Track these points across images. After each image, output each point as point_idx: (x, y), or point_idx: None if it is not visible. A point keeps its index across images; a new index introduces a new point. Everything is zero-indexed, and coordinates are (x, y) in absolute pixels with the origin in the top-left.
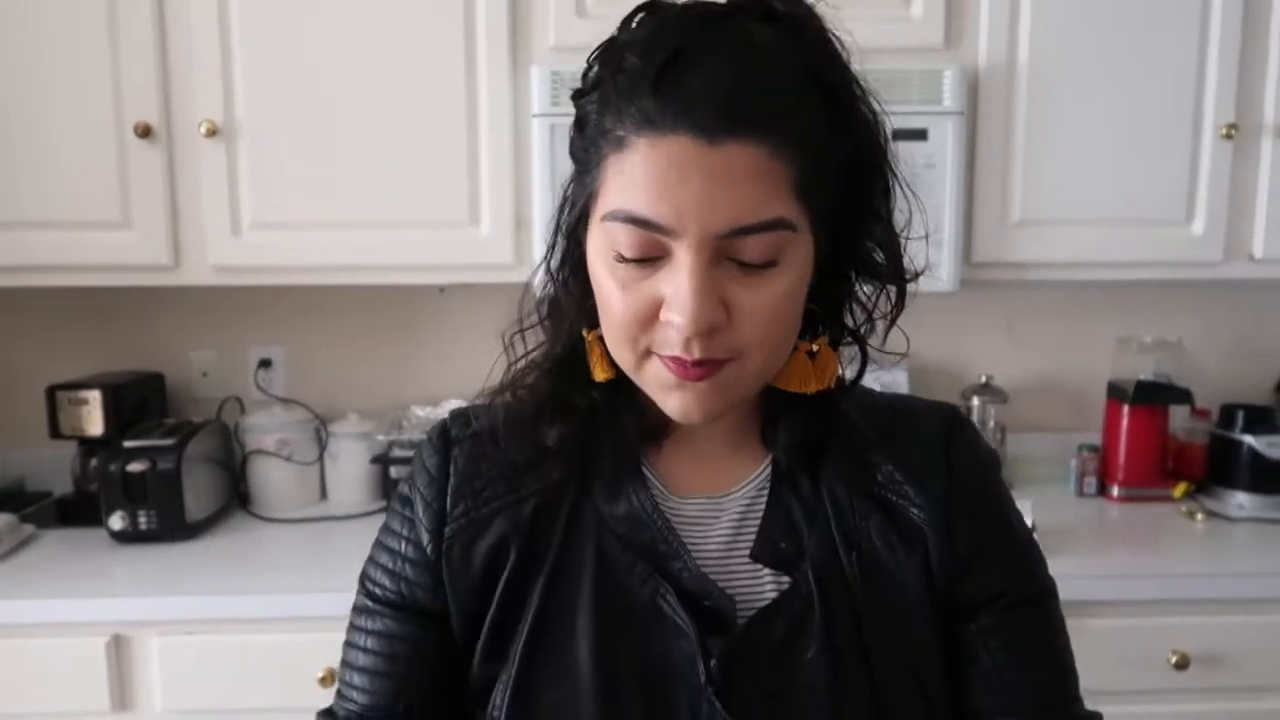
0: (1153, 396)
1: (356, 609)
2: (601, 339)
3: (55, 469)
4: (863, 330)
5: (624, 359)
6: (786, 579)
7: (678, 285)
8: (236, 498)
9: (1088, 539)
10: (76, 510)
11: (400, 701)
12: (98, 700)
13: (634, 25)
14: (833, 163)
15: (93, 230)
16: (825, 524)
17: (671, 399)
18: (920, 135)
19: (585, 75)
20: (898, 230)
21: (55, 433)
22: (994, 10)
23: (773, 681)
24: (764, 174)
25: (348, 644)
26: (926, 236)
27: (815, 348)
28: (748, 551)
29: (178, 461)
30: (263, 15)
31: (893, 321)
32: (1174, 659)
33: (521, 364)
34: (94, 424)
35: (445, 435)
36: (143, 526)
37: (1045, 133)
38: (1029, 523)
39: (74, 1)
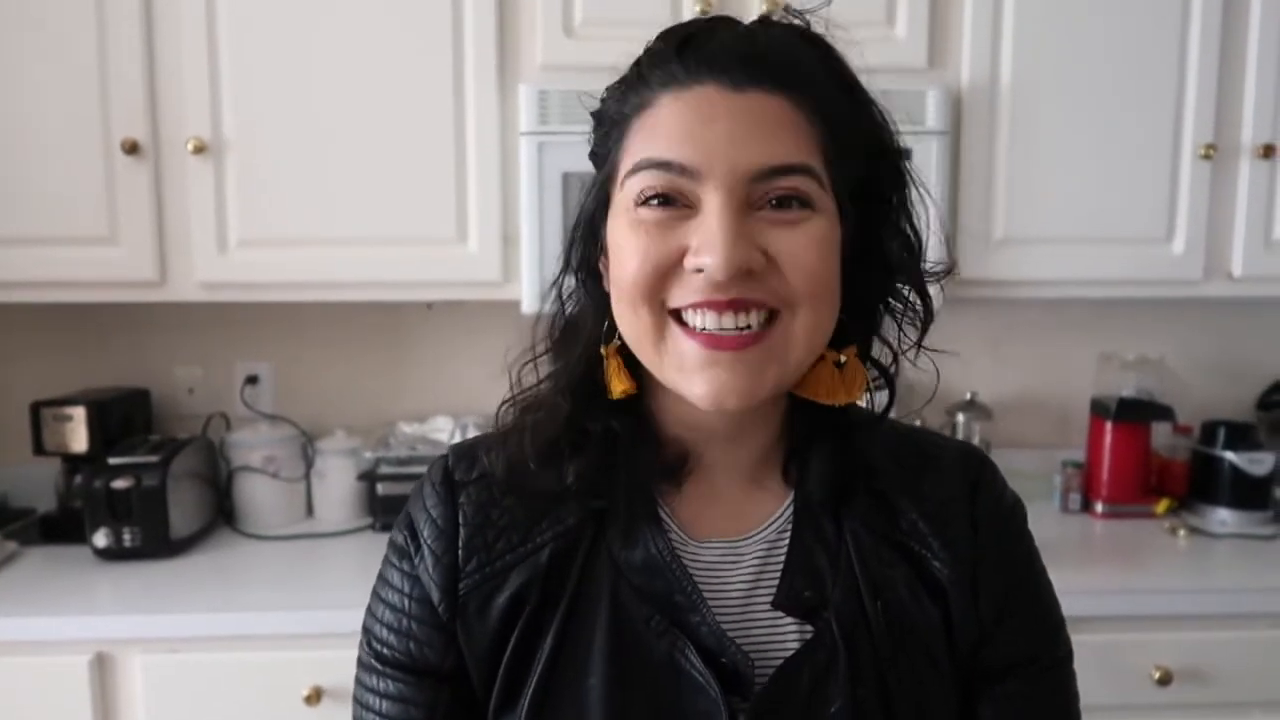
0: (1135, 413)
1: (364, 666)
2: (619, 351)
3: (39, 486)
4: (891, 367)
5: (640, 328)
6: (809, 628)
7: (706, 228)
8: (222, 515)
9: (1072, 555)
10: (60, 527)
11: None
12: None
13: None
14: (853, 141)
15: (79, 246)
16: (849, 569)
17: (700, 381)
18: (904, 155)
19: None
20: (921, 238)
21: (39, 449)
22: (976, 31)
23: None
24: (789, 123)
25: (359, 704)
26: (951, 270)
27: (843, 358)
28: (769, 599)
29: (163, 478)
30: (251, 33)
31: (924, 331)
32: (1157, 674)
33: (533, 392)
34: (78, 440)
35: (449, 481)
36: (127, 544)
37: (1028, 152)
38: None
39: (62, 18)
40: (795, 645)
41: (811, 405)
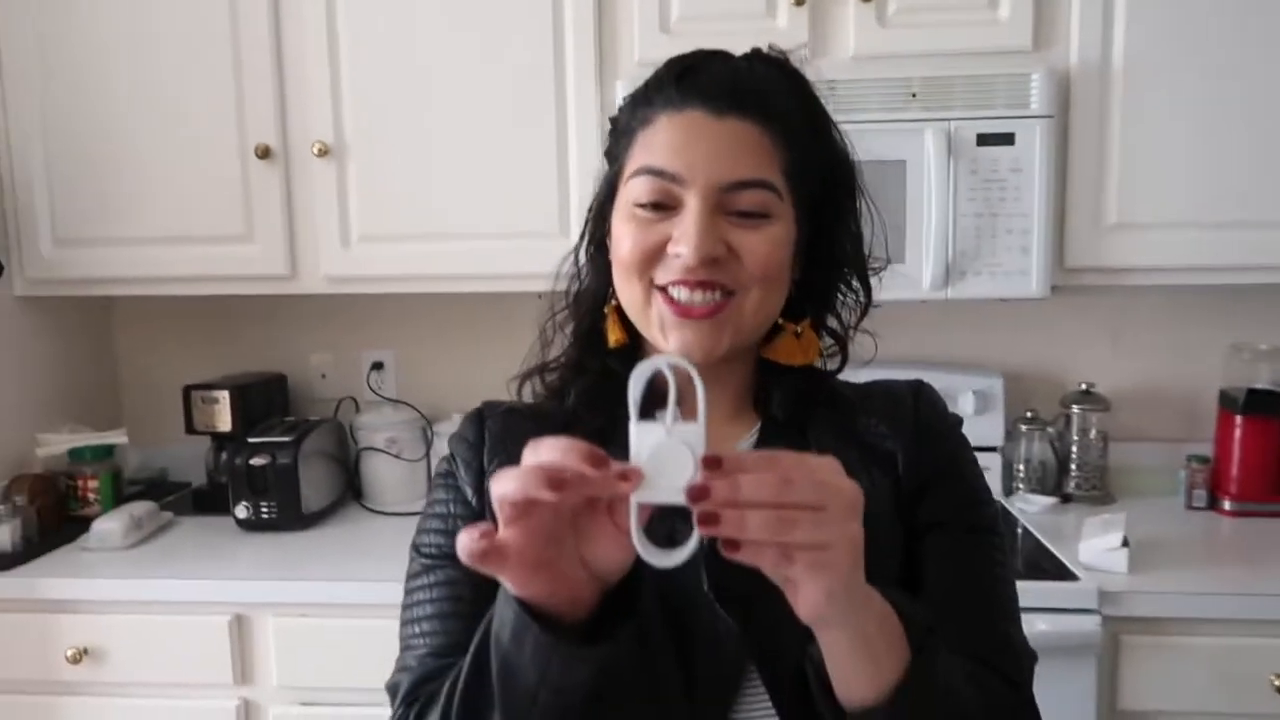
0: (1268, 406)
1: (412, 575)
2: (618, 309)
3: (193, 462)
4: (847, 333)
5: (633, 295)
6: None
7: (685, 224)
8: (351, 491)
9: (1193, 554)
10: (209, 499)
11: (470, 638)
12: (222, 674)
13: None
14: (812, 160)
15: (219, 244)
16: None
17: (673, 338)
18: (1007, 139)
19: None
20: (865, 242)
21: (190, 429)
22: (1086, 10)
23: (758, 588)
24: (757, 146)
25: (408, 607)
26: (885, 265)
27: (800, 329)
28: None
29: (295, 456)
30: (367, 44)
31: (863, 313)
32: (1277, 681)
33: (549, 352)
34: (223, 421)
35: (479, 414)
36: (264, 515)
37: (1142, 134)
38: (1121, 536)
39: (200, 35)
40: None
41: (777, 365)
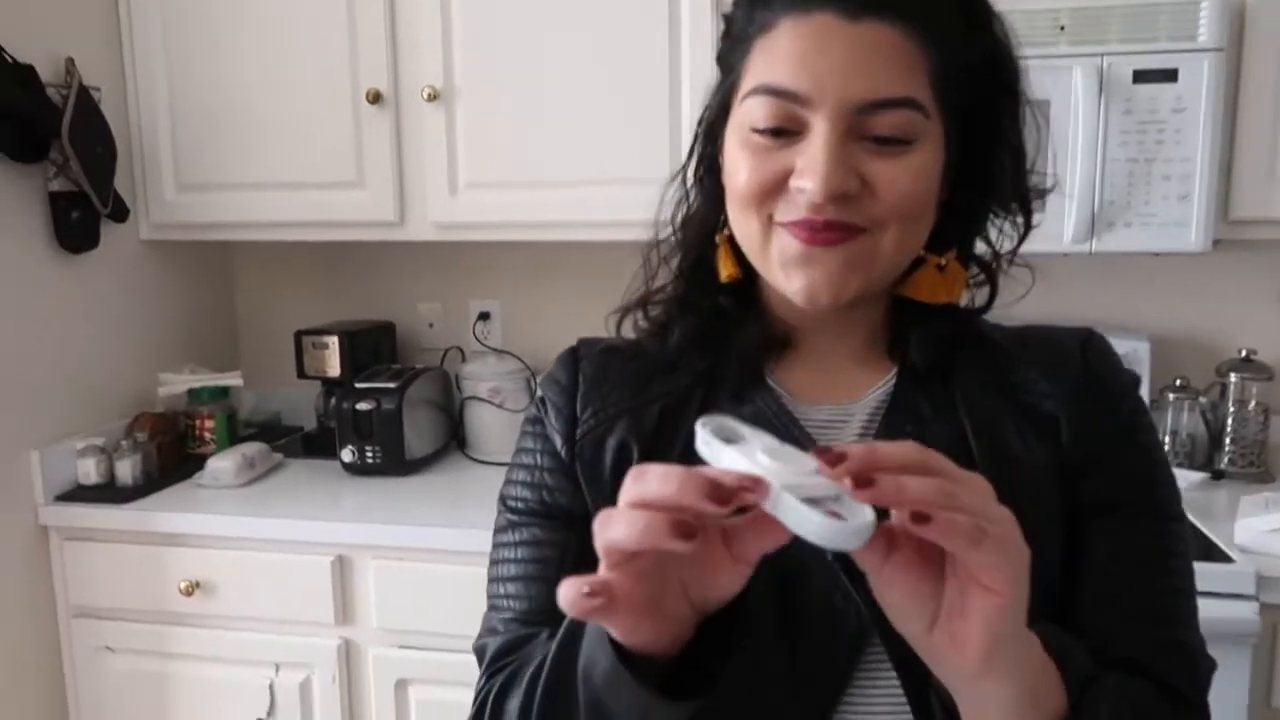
0: None
1: (499, 529)
2: (730, 239)
3: (304, 406)
4: (993, 264)
5: (749, 230)
6: None
7: (811, 153)
8: (455, 440)
9: None
10: (318, 443)
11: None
12: (324, 613)
13: None
14: (966, 64)
15: (331, 190)
16: (955, 416)
17: (797, 277)
18: (1169, 76)
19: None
20: (1028, 158)
21: (301, 373)
22: None
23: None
24: (900, 54)
25: (495, 563)
26: (1051, 189)
27: (944, 261)
28: None
29: (399, 403)
30: None
31: (1017, 245)
32: None
33: (654, 284)
34: (333, 366)
35: (574, 352)
36: (369, 460)
37: None
38: (1265, 500)
39: None
40: None
41: (915, 303)
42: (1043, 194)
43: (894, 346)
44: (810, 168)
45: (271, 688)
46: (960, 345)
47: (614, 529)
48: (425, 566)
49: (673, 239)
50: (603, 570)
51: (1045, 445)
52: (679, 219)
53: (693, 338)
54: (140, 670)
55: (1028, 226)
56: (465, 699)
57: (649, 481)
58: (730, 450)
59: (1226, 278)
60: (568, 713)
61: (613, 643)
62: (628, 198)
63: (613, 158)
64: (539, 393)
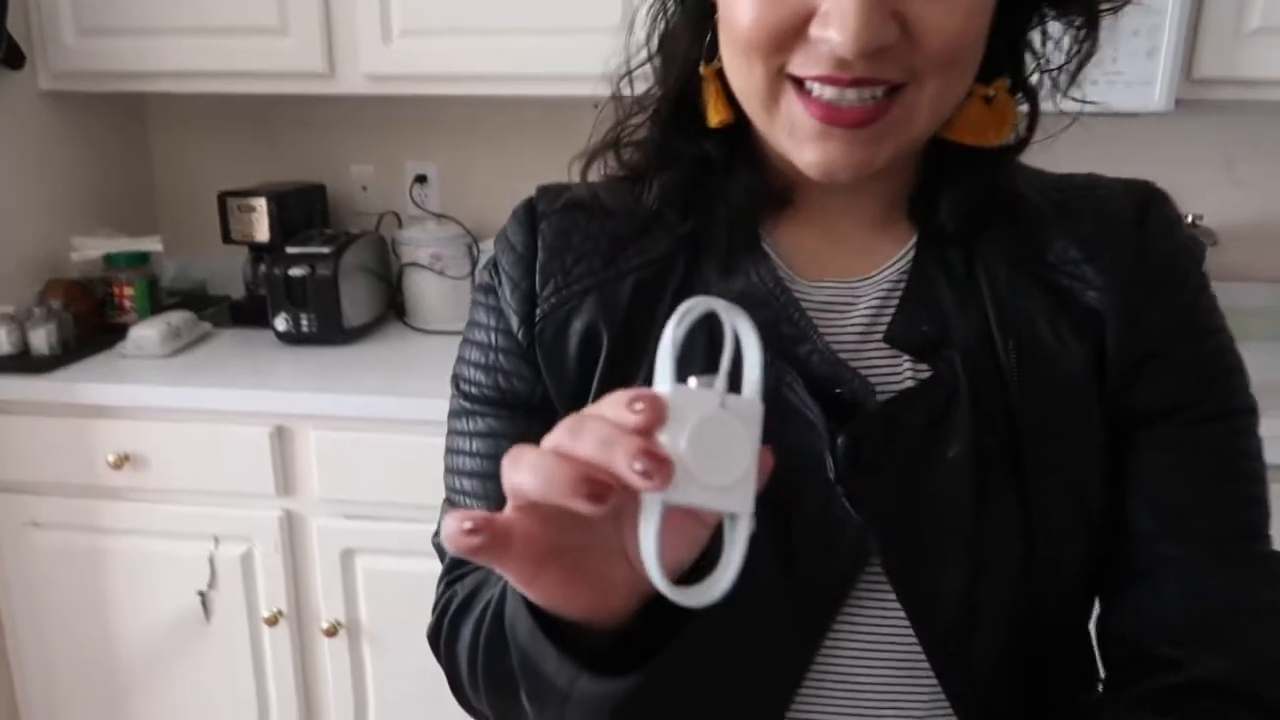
0: None
1: (454, 413)
2: (719, 73)
3: (231, 275)
4: (1035, 81)
5: (750, 81)
6: (927, 369)
7: None
8: (393, 308)
9: None
10: (248, 312)
11: None
12: (264, 484)
13: None
14: None
15: (250, 36)
16: (979, 306)
17: (810, 150)
18: None
19: None
20: None
21: (227, 238)
22: None
23: (907, 483)
24: None
25: (451, 451)
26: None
27: (992, 92)
28: (884, 342)
29: (335, 269)
30: None
31: (1081, 65)
32: None
33: (626, 119)
34: (261, 231)
35: (531, 210)
36: (305, 329)
37: None
38: None
39: None
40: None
41: (950, 145)
42: (1115, 6)
43: (918, 205)
44: (838, 15)
45: (211, 560)
46: (995, 207)
47: (520, 472)
48: (369, 436)
49: (649, 67)
50: (508, 509)
51: (1085, 345)
52: (655, 40)
53: (673, 193)
54: (71, 546)
55: (1092, 45)
56: (414, 569)
57: (584, 434)
58: (679, 392)
59: (1180, 140)
60: (506, 665)
61: (530, 605)
62: (581, 48)
63: (565, 3)
64: (493, 254)
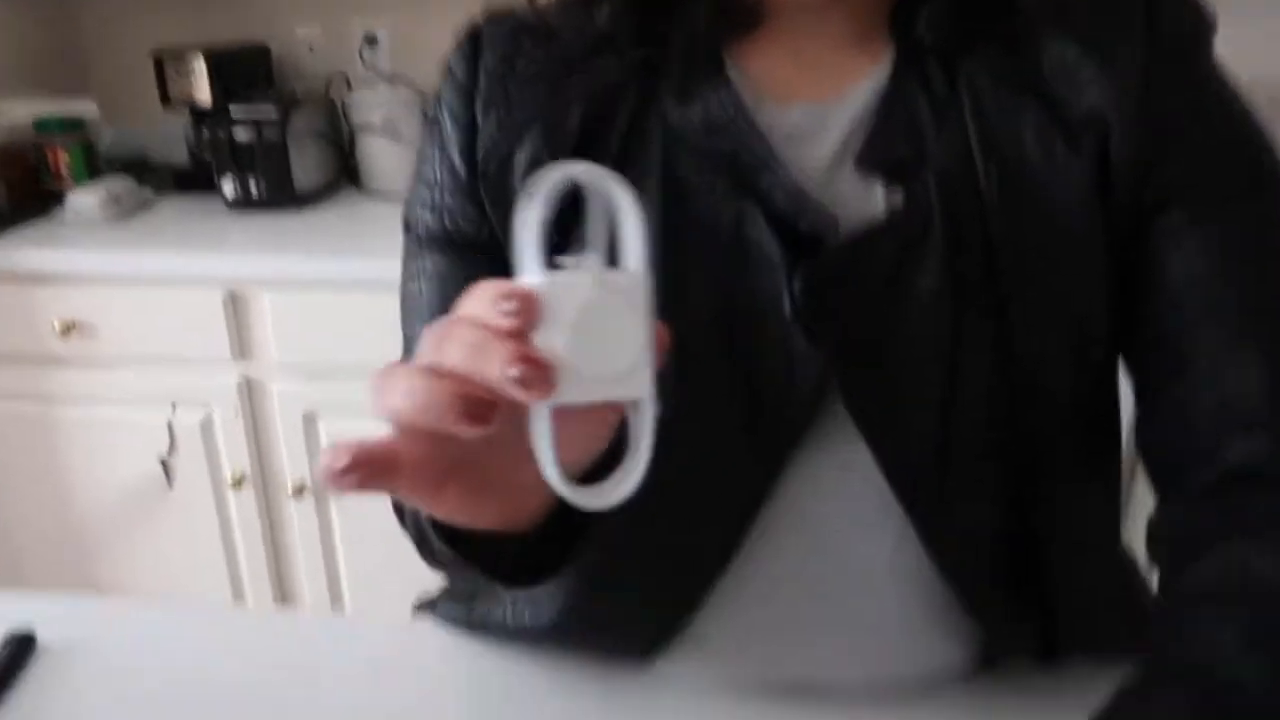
0: None
1: (406, 252)
2: None
3: (173, 142)
4: None
5: None
6: (902, 197)
7: None
8: (346, 174)
9: None
10: (192, 178)
11: None
12: (219, 349)
13: None
14: None
15: None
16: (959, 125)
17: None
18: None
19: None
20: None
21: (165, 99)
22: None
23: (873, 318)
24: None
25: (404, 297)
26: None
27: None
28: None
29: (283, 133)
30: None
31: None
32: None
33: None
34: (201, 92)
35: (474, 35)
36: (254, 194)
37: None
38: None
39: None
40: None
41: None
42: None
43: (897, 20)
44: None
45: (170, 426)
46: (981, 16)
47: (391, 396)
48: (326, 298)
49: None
50: (390, 432)
51: (1084, 160)
52: None
53: (626, 11)
54: (22, 414)
55: None
56: (376, 430)
57: (445, 342)
58: (550, 280)
59: None
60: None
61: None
62: None
63: None
64: (438, 90)
